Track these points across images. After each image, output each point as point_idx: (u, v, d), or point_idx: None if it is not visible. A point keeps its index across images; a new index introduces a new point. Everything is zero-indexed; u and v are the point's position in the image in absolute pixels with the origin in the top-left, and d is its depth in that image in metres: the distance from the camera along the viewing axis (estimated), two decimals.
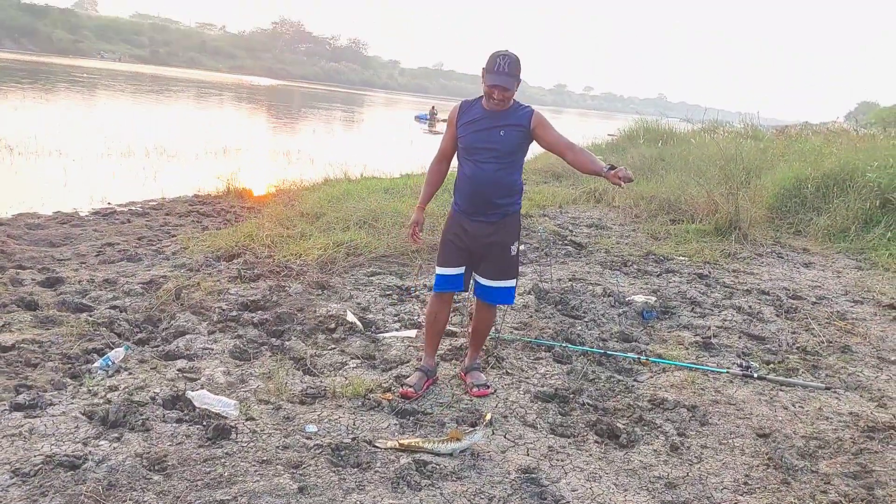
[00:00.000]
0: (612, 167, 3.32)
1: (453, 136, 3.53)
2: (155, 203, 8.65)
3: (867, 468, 3.08)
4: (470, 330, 3.87)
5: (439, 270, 3.59)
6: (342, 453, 2.87)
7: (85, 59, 68.10)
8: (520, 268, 6.17)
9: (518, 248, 3.60)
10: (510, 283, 3.59)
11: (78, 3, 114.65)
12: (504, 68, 3.28)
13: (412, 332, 4.39)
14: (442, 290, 3.61)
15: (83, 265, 5.49)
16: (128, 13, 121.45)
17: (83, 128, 15.65)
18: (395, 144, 20.45)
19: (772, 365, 4.32)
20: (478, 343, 3.84)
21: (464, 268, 3.57)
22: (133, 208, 8.23)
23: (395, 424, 3.19)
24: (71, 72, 42.10)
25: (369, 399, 3.41)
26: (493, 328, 4.34)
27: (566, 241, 7.46)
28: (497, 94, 3.31)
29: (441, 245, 3.65)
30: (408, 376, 3.70)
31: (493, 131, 3.39)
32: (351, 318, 4.53)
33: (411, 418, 3.28)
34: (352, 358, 3.97)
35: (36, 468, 2.53)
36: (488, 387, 3.63)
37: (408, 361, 3.95)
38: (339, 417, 3.21)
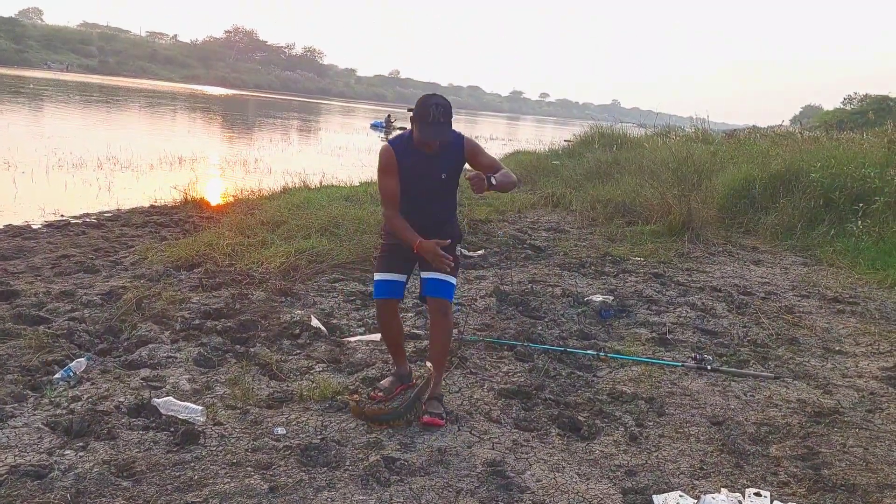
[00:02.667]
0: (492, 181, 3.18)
1: (397, 183, 3.30)
2: (110, 214, 8.50)
3: (814, 450, 3.25)
4: (427, 353, 3.57)
5: (379, 276, 3.43)
6: (311, 453, 2.91)
7: (31, 69, 66.27)
8: (481, 272, 6.31)
9: (459, 250, 3.58)
10: (453, 280, 3.45)
11: (22, 13, 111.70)
12: (439, 118, 3.12)
13: (377, 336, 4.43)
14: (383, 297, 3.42)
15: (38, 278, 5.39)
16: (75, 22, 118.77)
17: (32, 139, 15.26)
18: (353, 153, 20.43)
19: (724, 357, 4.49)
20: (436, 364, 3.42)
21: (405, 276, 3.46)
22: (88, 220, 8.07)
23: (363, 424, 3.24)
24: (16, 82, 40.95)
25: (336, 401, 3.45)
26: (457, 329, 4.40)
27: (526, 245, 7.60)
28: (435, 145, 3.23)
29: (382, 250, 3.53)
30: (374, 378, 3.76)
31: (434, 175, 3.31)
32: (315, 323, 4.57)
33: None
34: (318, 362, 4.00)
35: (1, 478, 2.51)
36: (442, 419, 3.31)
37: (373, 364, 4.00)
38: (307, 419, 3.24)
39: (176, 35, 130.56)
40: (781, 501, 2.81)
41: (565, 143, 18.51)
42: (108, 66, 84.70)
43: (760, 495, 2.82)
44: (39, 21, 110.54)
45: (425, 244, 3.21)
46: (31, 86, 39.40)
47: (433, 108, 3.12)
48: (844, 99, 40.79)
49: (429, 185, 3.34)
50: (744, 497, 2.81)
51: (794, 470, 3.07)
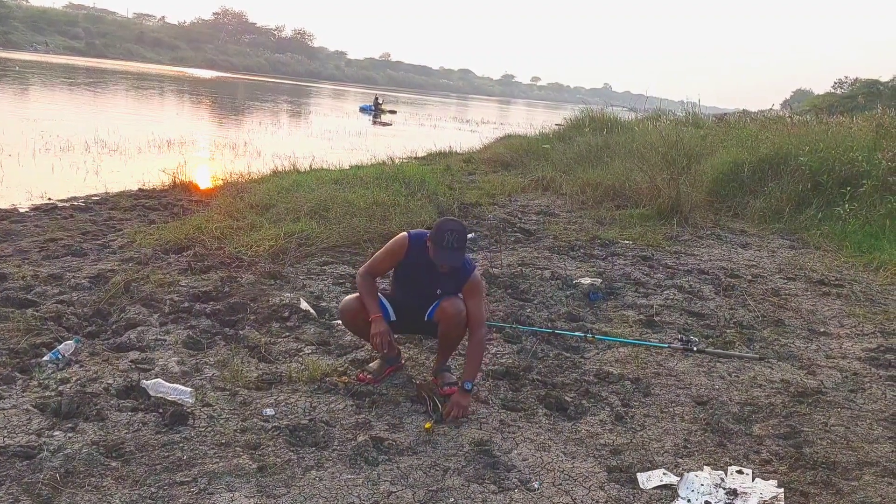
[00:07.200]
0: (467, 389, 3.29)
1: (391, 266, 3.50)
2: (98, 198, 8.44)
3: (796, 429, 3.30)
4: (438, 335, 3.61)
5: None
6: (300, 434, 2.94)
7: (17, 51, 65.34)
8: (471, 255, 6.33)
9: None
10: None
11: None
12: (453, 243, 3.24)
13: None
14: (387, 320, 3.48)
15: (26, 261, 5.36)
16: (61, 3, 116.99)
17: (18, 122, 15.09)
18: (343, 136, 20.33)
19: (710, 339, 4.54)
20: (447, 350, 3.64)
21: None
22: (75, 203, 8.01)
23: (352, 406, 3.27)
24: (1, 64, 40.40)
25: (325, 383, 3.47)
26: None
27: (515, 228, 7.62)
28: (446, 269, 3.33)
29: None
30: (363, 361, 3.78)
31: (430, 287, 3.43)
32: (305, 306, 4.57)
33: (367, 399, 3.35)
34: (307, 344, 4.02)
35: None
36: (457, 385, 3.46)
37: (362, 346, 4.01)
38: (296, 401, 3.27)
39: (163, 17, 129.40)
40: (763, 479, 2.86)
41: (556, 127, 18.46)
42: (95, 48, 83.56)
43: (742, 473, 2.87)
44: (25, 2, 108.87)
45: (378, 325, 3.33)
46: (17, 68, 38.88)
47: (448, 234, 3.23)
48: (835, 83, 40.88)
49: (422, 291, 3.46)
50: (726, 475, 2.86)
51: (776, 448, 3.12)
